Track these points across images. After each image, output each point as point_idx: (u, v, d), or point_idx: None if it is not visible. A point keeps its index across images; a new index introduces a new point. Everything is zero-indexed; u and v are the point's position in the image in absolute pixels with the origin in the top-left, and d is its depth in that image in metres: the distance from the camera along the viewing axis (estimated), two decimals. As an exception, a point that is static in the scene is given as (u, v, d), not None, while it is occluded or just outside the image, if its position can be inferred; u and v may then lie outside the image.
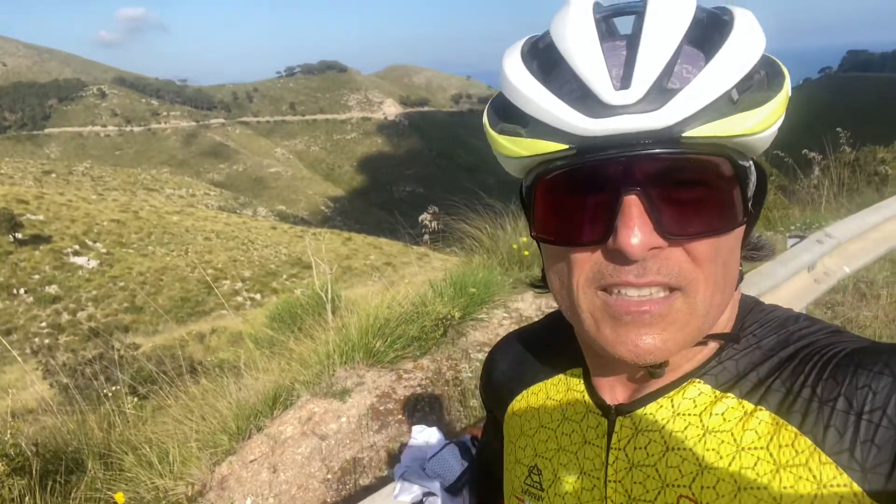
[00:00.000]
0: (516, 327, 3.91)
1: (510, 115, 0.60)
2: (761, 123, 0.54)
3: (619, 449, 0.65)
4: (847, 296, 4.94)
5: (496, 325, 4.60)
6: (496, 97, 0.64)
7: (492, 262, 5.78)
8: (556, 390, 0.75)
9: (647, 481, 0.62)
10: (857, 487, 0.50)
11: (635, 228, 0.53)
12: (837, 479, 0.51)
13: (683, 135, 0.52)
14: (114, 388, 5.09)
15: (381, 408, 3.65)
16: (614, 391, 0.68)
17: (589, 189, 0.57)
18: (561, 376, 0.76)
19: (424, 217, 7.75)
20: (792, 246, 4.24)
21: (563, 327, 0.71)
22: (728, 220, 0.56)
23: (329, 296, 5.18)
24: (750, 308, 0.67)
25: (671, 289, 0.57)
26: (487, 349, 4.30)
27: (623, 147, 0.53)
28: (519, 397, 0.80)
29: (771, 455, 0.55)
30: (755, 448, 0.56)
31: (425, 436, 1.69)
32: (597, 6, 0.59)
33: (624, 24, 0.60)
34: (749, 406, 0.59)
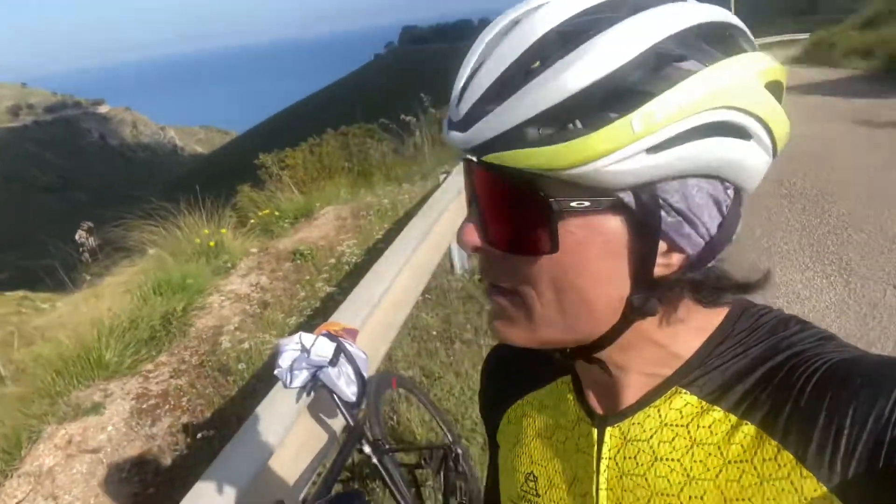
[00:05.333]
0: (239, 306, 4.42)
1: None
2: (573, 155, 0.48)
3: (610, 458, 0.65)
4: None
5: (218, 307, 4.89)
6: None
7: (180, 259, 5.89)
8: (550, 398, 0.76)
9: (637, 489, 0.63)
10: (837, 502, 0.51)
11: (465, 228, 0.57)
12: (818, 492, 0.51)
13: (483, 158, 0.53)
14: None
15: (145, 406, 3.73)
16: (601, 398, 0.68)
17: None
18: (553, 384, 0.76)
19: (80, 235, 7.09)
20: (443, 179, 5.75)
21: None
22: (529, 246, 0.55)
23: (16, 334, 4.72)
24: (741, 312, 0.64)
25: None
26: (220, 332, 4.59)
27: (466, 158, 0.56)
28: (514, 406, 0.80)
29: (755, 468, 0.55)
30: (740, 461, 0.57)
31: (294, 339, 2.17)
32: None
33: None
34: (734, 419, 0.58)
